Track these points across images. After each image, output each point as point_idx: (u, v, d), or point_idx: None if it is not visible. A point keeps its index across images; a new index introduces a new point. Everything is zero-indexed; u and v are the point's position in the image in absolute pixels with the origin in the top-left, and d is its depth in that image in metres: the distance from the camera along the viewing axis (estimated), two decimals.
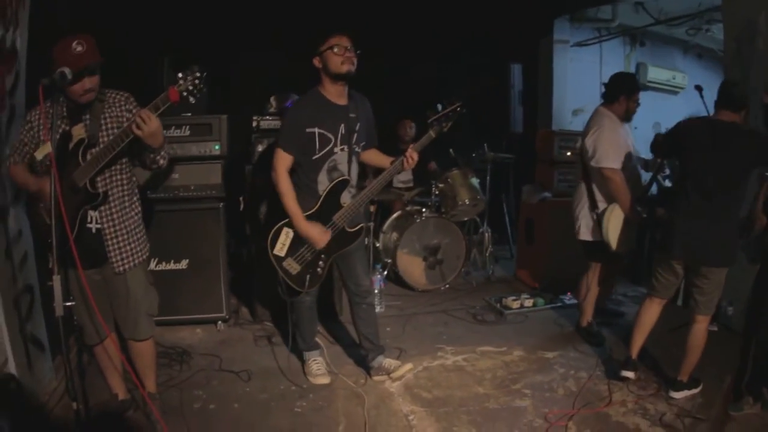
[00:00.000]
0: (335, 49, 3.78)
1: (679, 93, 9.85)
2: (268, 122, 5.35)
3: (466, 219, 7.03)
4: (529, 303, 5.98)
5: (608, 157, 4.66)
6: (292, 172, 3.98)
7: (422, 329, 5.47)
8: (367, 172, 5.92)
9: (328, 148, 3.94)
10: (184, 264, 5.05)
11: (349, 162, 4.04)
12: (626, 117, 4.90)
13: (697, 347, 4.12)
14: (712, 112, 4.50)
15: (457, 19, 7.55)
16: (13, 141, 3.37)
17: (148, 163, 3.40)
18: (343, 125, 3.96)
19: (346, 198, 4.04)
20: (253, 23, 6.96)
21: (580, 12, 8.51)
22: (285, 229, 3.98)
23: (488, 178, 7.16)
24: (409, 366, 4.43)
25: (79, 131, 3.27)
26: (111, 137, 3.21)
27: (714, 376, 4.33)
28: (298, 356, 4.53)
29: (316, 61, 3.87)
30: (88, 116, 3.29)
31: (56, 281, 2.76)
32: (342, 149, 3.99)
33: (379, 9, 5.95)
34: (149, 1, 5.79)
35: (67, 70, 2.87)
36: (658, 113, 9.19)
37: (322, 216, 3.98)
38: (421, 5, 6.77)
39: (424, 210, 6.62)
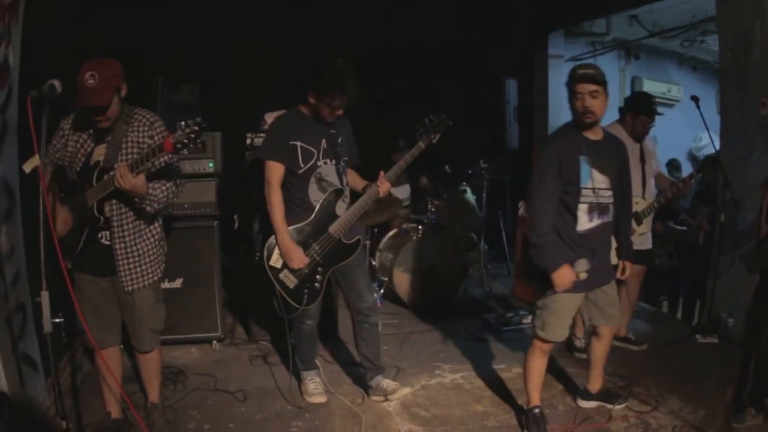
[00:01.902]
0: (332, 108, 3.84)
1: (675, 106, 9.86)
2: (262, 139, 5.29)
3: (462, 236, 6.99)
4: (527, 319, 5.91)
5: None
6: (284, 188, 3.96)
7: (419, 347, 5.41)
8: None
9: (311, 162, 3.95)
10: (178, 283, 5.01)
11: (339, 174, 4.05)
12: (633, 136, 4.88)
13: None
14: (708, 122, 4.50)
15: (451, 35, 7.56)
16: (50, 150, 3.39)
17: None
18: (324, 140, 3.99)
19: (341, 209, 4.04)
20: (246, 41, 6.96)
21: (574, 26, 8.51)
22: None
23: (484, 194, 7.13)
24: (407, 390, 4.38)
25: (100, 151, 3.33)
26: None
27: (715, 387, 4.29)
28: (295, 375, 4.48)
29: (312, 97, 3.85)
30: (110, 138, 3.33)
31: (44, 297, 2.75)
32: (325, 162, 4.01)
33: (372, 25, 5.96)
34: (142, 21, 5.79)
35: (56, 83, 2.85)
36: (654, 127, 9.19)
37: (317, 227, 3.97)
38: (414, 21, 6.77)
39: (420, 227, 6.57)
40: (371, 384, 4.35)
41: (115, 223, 3.38)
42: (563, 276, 3.48)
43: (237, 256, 5.66)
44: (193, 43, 6.40)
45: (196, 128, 3.03)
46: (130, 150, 3.34)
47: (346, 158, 4.12)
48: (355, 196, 4.13)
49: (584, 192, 3.57)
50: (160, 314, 3.73)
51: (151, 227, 3.58)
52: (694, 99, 5.16)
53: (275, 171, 3.90)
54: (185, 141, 3.04)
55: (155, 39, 6.03)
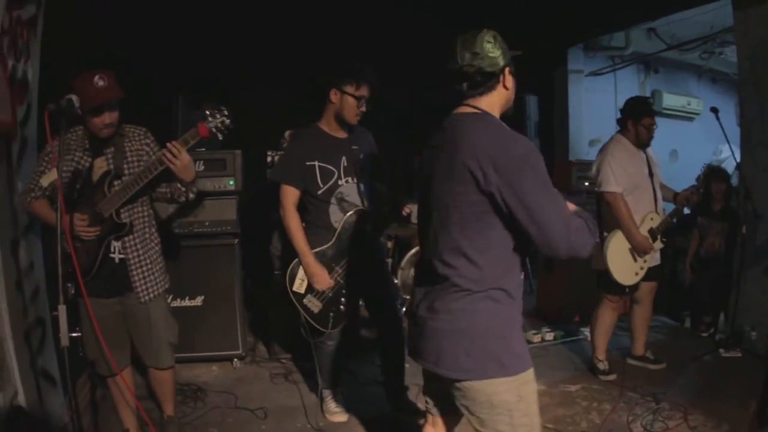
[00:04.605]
0: (360, 101, 3.78)
1: (695, 119, 9.81)
2: (278, 159, 5.31)
3: None
4: (549, 336, 5.87)
5: (608, 182, 4.58)
6: (305, 210, 3.94)
7: None
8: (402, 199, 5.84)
9: (332, 182, 3.88)
10: (199, 300, 5.02)
11: (360, 193, 3.97)
12: (638, 143, 4.76)
13: None
14: (728, 134, 4.44)
15: None
16: (31, 175, 3.39)
17: (176, 195, 3.48)
18: (344, 157, 3.91)
19: (364, 230, 3.96)
20: (268, 59, 6.99)
21: (593, 41, 8.50)
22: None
23: None
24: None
25: (101, 164, 3.36)
26: (134, 170, 3.32)
27: (739, 401, 4.24)
28: (316, 393, 4.46)
29: (333, 94, 3.81)
30: (111, 149, 3.38)
31: (62, 311, 2.76)
32: (347, 181, 3.92)
33: (391, 40, 5.98)
34: (165, 39, 5.84)
35: (74, 98, 2.91)
36: (674, 140, 9.15)
37: (339, 250, 3.90)
38: (432, 37, 6.77)
39: None
40: (394, 403, 4.30)
41: (133, 230, 3.43)
42: None
43: (259, 274, 5.65)
44: (214, 61, 6.43)
45: (226, 113, 3.19)
46: (131, 158, 3.41)
47: (369, 175, 4.06)
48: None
49: None
50: (174, 327, 3.74)
51: (154, 236, 3.61)
52: (714, 110, 5.12)
53: (290, 194, 3.85)
54: (219, 126, 3.21)
55: (176, 57, 6.08)
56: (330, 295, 3.90)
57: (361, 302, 4.23)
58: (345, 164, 3.91)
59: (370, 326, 5.08)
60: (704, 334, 6.07)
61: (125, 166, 3.37)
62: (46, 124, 2.90)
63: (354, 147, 3.95)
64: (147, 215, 3.54)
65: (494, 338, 2.28)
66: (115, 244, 3.42)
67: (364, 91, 3.78)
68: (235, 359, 5.21)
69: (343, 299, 3.94)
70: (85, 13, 4.57)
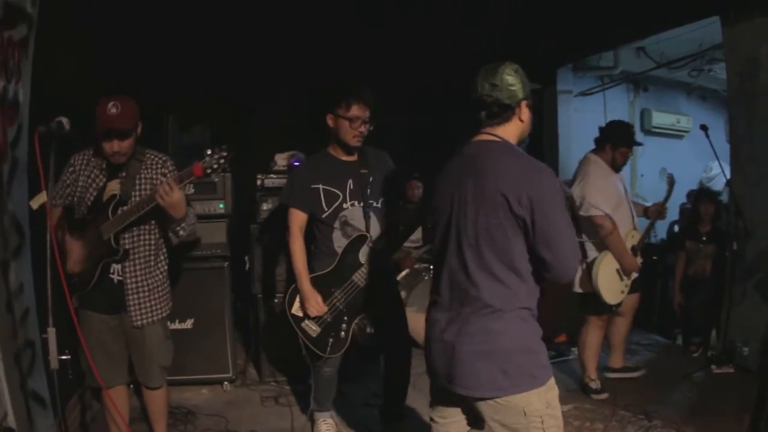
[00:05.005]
0: (353, 122, 3.72)
1: (685, 137, 9.85)
2: (273, 180, 5.32)
3: None
4: None
5: (597, 205, 4.59)
6: (313, 237, 3.91)
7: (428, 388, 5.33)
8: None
9: (336, 205, 3.83)
10: (189, 323, 5.00)
11: (366, 218, 3.89)
12: (613, 166, 4.82)
13: None
14: (718, 151, 4.45)
15: (459, 74, 7.60)
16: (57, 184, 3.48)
17: (169, 231, 3.52)
18: (351, 180, 3.86)
19: (365, 255, 3.86)
20: (257, 82, 7.02)
21: (582, 61, 8.54)
22: None
23: None
24: None
25: (113, 186, 3.43)
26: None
27: (732, 417, 4.24)
28: (306, 416, 4.43)
29: (330, 119, 3.79)
30: (125, 173, 3.43)
31: (51, 334, 2.76)
32: (353, 204, 3.87)
33: (380, 63, 6.01)
34: (153, 61, 5.86)
35: (64, 120, 2.95)
36: (664, 158, 9.18)
37: (340, 275, 3.85)
38: (421, 60, 6.81)
39: (432, 267, 6.48)
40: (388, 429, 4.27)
41: (129, 256, 3.45)
42: None
43: (249, 297, 5.63)
44: (203, 84, 6.45)
45: (225, 154, 3.14)
46: (143, 186, 3.44)
47: (382, 199, 3.98)
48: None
49: None
50: (169, 351, 3.76)
51: (159, 263, 3.63)
52: (703, 128, 5.17)
53: (295, 217, 3.83)
54: (215, 166, 3.14)
55: (165, 79, 6.10)
56: (329, 320, 3.84)
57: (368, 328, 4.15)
58: (351, 187, 3.86)
59: (360, 349, 5.04)
60: (695, 355, 6.07)
61: (134, 192, 3.41)
62: (36, 146, 2.91)
63: (363, 171, 3.89)
64: (153, 243, 3.56)
65: (526, 354, 2.42)
66: (115, 266, 3.46)
67: (357, 111, 3.71)
68: (226, 382, 5.18)
69: (344, 325, 3.88)
70: (75, 32, 4.58)
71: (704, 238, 6.17)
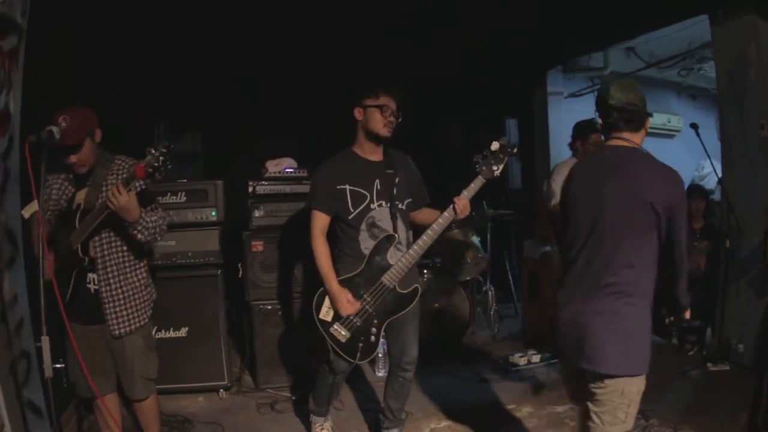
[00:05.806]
0: (383, 110, 3.69)
1: (676, 136, 9.86)
2: (264, 187, 5.30)
3: (469, 278, 6.94)
4: (535, 359, 5.84)
5: (555, 196, 4.74)
6: (337, 239, 3.84)
7: (428, 391, 5.32)
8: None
9: (363, 205, 3.74)
10: (183, 332, 4.99)
11: (393, 218, 3.79)
12: None
13: None
14: (710, 150, 4.47)
15: (449, 76, 7.62)
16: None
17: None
18: (378, 181, 3.78)
19: (394, 257, 3.74)
20: (249, 89, 7.02)
21: (572, 62, 8.55)
22: None
23: (489, 236, 7.06)
24: None
25: (81, 196, 3.40)
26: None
27: (729, 414, 4.24)
28: (302, 422, 4.42)
29: (358, 113, 3.74)
30: (90, 182, 3.39)
31: (45, 342, 2.75)
32: (380, 205, 3.77)
33: (369, 66, 6.00)
34: (143, 68, 5.85)
35: (55, 129, 2.97)
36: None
37: (368, 277, 3.72)
38: (413, 65, 6.82)
39: (425, 271, 6.48)
40: None
41: (100, 264, 3.41)
42: None
43: (242, 304, 5.62)
44: (194, 92, 6.44)
45: (164, 151, 3.05)
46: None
47: (408, 200, 3.90)
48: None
49: None
50: (152, 362, 3.69)
51: (137, 270, 3.57)
52: (694, 126, 5.19)
53: (318, 220, 3.73)
54: (155, 165, 3.06)
55: (157, 86, 6.09)
56: (358, 323, 3.71)
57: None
58: (378, 188, 3.78)
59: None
60: (690, 353, 6.07)
61: (99, 200, 3.34)
62: (27, 156, 2.90)
63: (389, 171, 3.82)
64: (126, 249, 3.50)
65: (645, 340, 2.79)
66: (91, 276, 3.43)
67: (385, 100, 3.69)
68: (221, 389, 5.17)
69: (374, 329, 3.75)
70: (66, 42, 4.57)
71: (698, 235, 6.19)
